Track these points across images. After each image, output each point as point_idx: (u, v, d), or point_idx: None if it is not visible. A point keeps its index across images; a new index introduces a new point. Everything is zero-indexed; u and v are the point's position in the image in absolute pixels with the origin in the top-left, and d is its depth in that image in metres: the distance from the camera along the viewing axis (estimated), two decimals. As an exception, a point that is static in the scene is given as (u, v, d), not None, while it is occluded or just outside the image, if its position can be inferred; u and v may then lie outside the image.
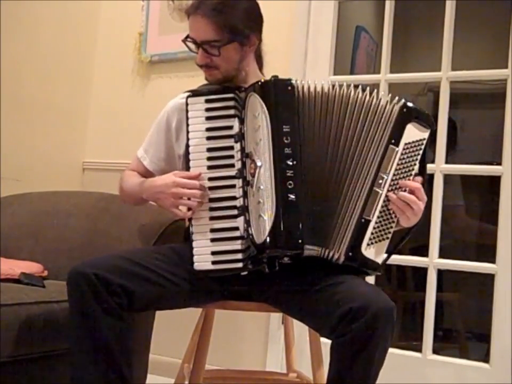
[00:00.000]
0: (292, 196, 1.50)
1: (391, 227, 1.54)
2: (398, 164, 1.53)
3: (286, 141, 1.52)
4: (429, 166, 2.42)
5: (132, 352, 1.56)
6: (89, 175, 3.09)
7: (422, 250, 2.51)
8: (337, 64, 2.67)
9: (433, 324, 2.39)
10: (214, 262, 1.56)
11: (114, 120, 3.06)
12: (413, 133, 1.54)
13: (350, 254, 1.51)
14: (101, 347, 1.48)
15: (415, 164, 1.55)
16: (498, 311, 2.26)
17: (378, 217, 1.52)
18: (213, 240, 1.57)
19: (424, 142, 1.55)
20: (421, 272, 2.52)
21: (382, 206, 1.52)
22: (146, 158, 1.91)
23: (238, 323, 2.63)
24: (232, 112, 1.61)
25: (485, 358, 2.35)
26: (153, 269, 1.56)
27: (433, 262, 2.40)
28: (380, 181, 1.52)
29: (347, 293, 1.45)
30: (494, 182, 2.44)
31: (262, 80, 1.59)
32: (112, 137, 3.04)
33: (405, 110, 1.55)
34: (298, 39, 2.62)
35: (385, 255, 1.55)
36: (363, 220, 1.51)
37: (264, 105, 1.54)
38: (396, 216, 1.54)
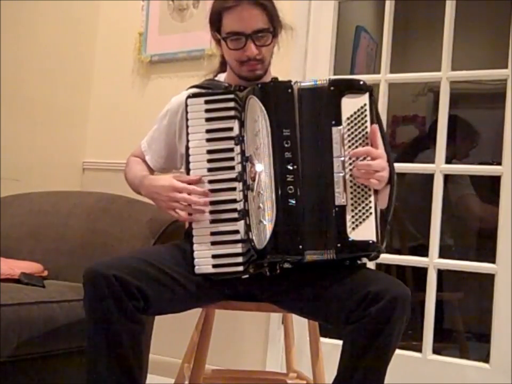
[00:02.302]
0: (292, 201, 1.49)
1: (370, 201, 1.50)
2: (349, 141, 1.51)
3: (286, 145, 1.51)
4: (429, 166, 2.44)
5: (145, 354, 1.55)
6: (89, 175, 3.09)
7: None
8: (337, 64, 2.67)
9: (433, 323, 2.39)
10: (214, 266, 1.56)
11: (114, 120, 3.06)
12: (350, 105, 1.52)
13: (339, 245, 1.49)
14: (115, 349, 1.47)
15: (366, 132, 1.51)
16: (498, 311, 2.26)
17: (352, 198, 1.49)
18: (213, 243, 1.56)
19: (366, 106, 1.52)
20: (421, 272, 2.52)
21: (352, 186, 1.50)
22: (148, 153, 1.92)
23: (238, 323, 2.63)
24: (232, 113, 1.59)
25: (485, 358, 2.35)
26: (166, 271, 1.55)
27: (433, 262, 2.39)
28: (338, 164, 1.50)
29: (363, 279, 1.47)
30: (494, 182, 2.44)
31: (261, 83, 1.58)
32: (112, 137, 3.04)
33: (332, 88, 1.53)
34: (298, 39, 2.62)
35: (377, 233, 1.50)
36: (337, 208, 1.49)
37: (264, 109, 1.53)
38: (369, 190, 1.51)
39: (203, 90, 1.75)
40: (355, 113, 1.52)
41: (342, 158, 1.50)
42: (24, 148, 2.80)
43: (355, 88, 1.53)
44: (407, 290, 1.44)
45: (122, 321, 1.46)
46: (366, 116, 1.52)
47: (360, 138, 1.51)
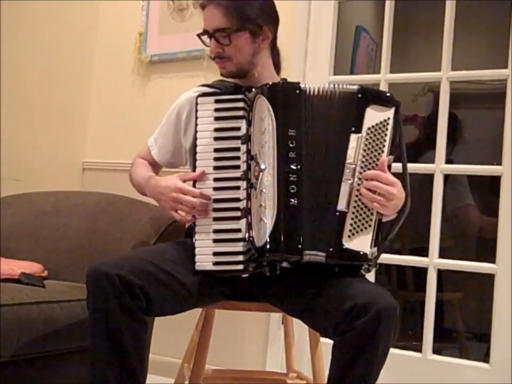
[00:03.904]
0: (294, 201, 1.49)
1: (372, 214, 1.50)
2: (364, 150, 1.51)
3: (291, 145, 1.52)
4: (429, 166, 2.44)
5: (146, 354, 1.55)
6: (89, 175, 3.09)
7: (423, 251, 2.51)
8: (337, 64, 2.67)
9: (433, 323, 2.39)
10: (215, 263, 1.57)
11: (114, 120, 3.06)
12: (374, 115, 1.52)
13: (331, 249, 1.49)
14: (117, 348, 1.47)
15: (383, 145, 1.51)
16: (498, 311, 2.26)
17: (354, 207, 1.49)
18: (215, 240, 1.57)
19: (390, 121, 1.52)
20: (421, 272, 2.52)
21: (357, 195, 1.50)
22: (155, 147, 1.92)
23: (238, 323, 2.63)
24: (240, 113, 1.61)
25: (485, 358, 2.36)
26: (168, 271, 1.55)
27: (433, 262, 2.39)
28: (348, 171, 1.50)
29: (351, 291, 1.45)
30: (494, 182, 2.44)
31: (271, 83, 1.59)
32: (112, 137, 3.04)
33: (359, 95, 1.53)
34: (298, 39, 2.62)
35: (371, 247, 1.50)
36: (338, 213, 1.49)
37: (271, 108, 1.53)
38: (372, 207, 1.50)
39: (212, 90, 1.76)
40: (377, 125, 1.52)
41: (354, 166, 1.50)
42: (24, 148, 2.80)
43: (382, 100, 1.54)
44: (394, 303, 1.43)
45: (125, 321, 1.46)
46: (387, 129, 1.52)
47: (376, 151, 1.51)
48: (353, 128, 1.51)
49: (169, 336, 2.50)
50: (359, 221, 1.50)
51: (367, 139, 1.51)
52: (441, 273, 2.46)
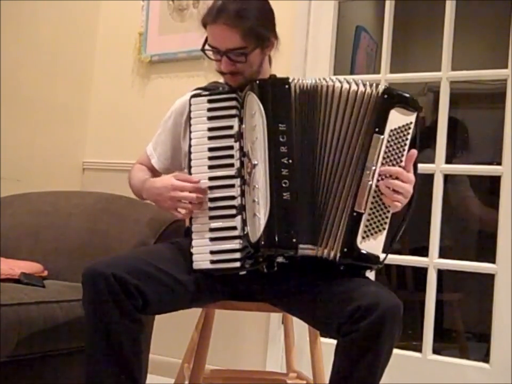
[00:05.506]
0: (287, 195, 1.49)
1: (387, 217, 1.50)
2: (385, 152, 1.50)
3: (282, 140, 1.52)
4: (429, 166, 2.44)
5: (143, 354, 1.55)
6: (89, 175, 3.09)
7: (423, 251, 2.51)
8: (337, 64, 2.67)
9: (433, 324, 2.39)
10: (212, 261, 1.57)
11: (114, 120, 3.06)
12: (398, 118, 1.51)
13: (345, 250, 1.49)
14: (114, 348, 1.47)
15: (404, 150, 1.51)
16: (498, 311, 2.26)
17: (371, 208, 1.49)
18: (211, 239, 1.58)
19: (412, 125, 1.52)
20: (421, 272, 2.52)
21: (374, 197, 1.49)
22: (154, 156, 1.92)
23: (238, 323, 2.63)
24: (233, 112, 1.61)
25: (485, 358, 2.35)
26: (166, 270, 1.55)
27: (433, 262, 2.39)
28: (368, 172, 1.49)
29: (355, 292, 1.45)
30: (494, 182, 2.44)
31: (260, 79, 1.60)
32: (112, 137, 3.04)
33: (386, 96, 1.52)
34: (298, 39, 2.62)
35: (383, 249, 1.51)
36: (355, 213, 1.49)
37: (260, 104, 1.54)
38: (389, 205, 1.51)
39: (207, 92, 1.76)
40: (399, 128, 1.51)
41: (374, 167, 1.49)
42: (24, 148, 2.80)
43: (407, 103, 1.52)
44: (398, 303, 1.44)
45: (121, 320, 1.46)
46: (408, 134, 1.51)
47: (396, 154, 1.51)
48: (376, 129, 1.50)
49: (169, 336, 2.50)
50: (374, 223, 1.49)
51: (388, 141, 1.50)
52: (441, 273, 2.46)
